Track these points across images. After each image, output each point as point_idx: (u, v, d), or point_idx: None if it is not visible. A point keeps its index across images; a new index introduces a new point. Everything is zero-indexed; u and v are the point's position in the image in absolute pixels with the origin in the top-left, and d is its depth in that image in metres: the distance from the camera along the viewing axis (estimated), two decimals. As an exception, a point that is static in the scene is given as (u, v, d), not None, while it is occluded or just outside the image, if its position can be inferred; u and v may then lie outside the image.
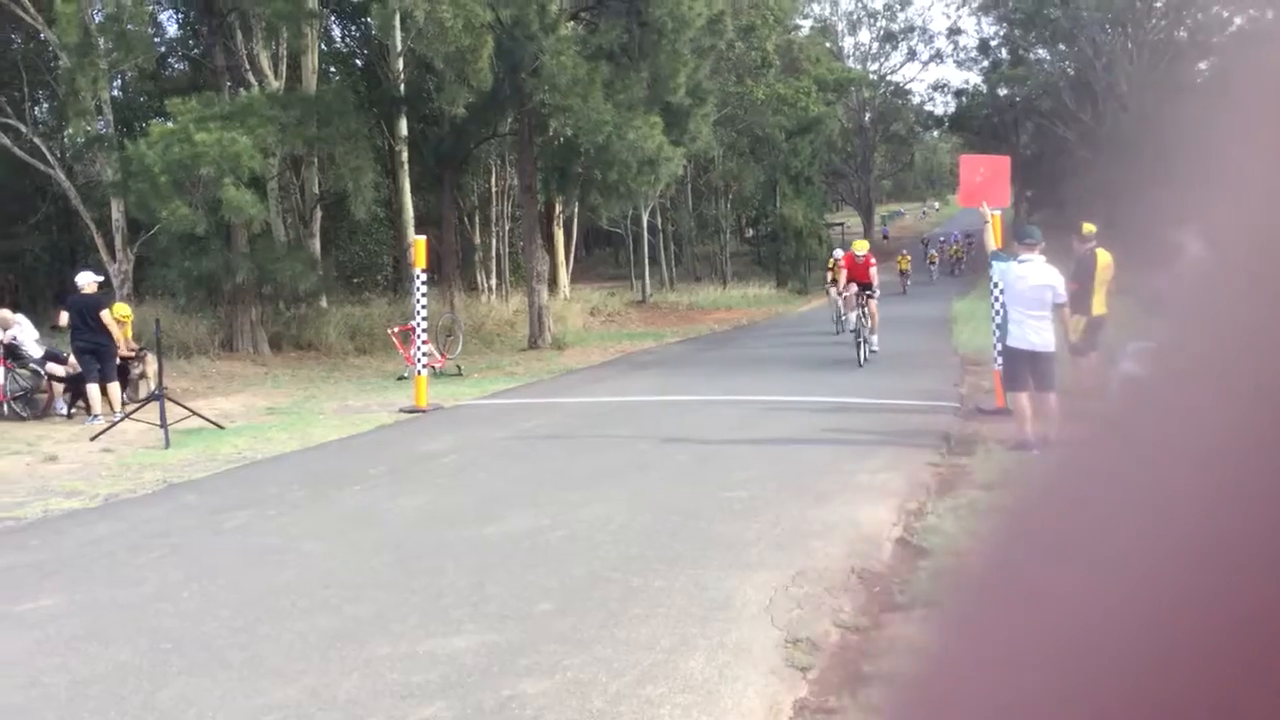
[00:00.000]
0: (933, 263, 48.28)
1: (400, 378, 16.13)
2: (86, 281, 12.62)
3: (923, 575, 5.11)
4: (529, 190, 22.58)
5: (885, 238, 65.09)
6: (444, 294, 23.53)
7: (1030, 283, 8.10)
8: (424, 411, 12.40)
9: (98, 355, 12.25)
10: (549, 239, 28.26)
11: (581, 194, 23.15)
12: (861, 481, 7.41)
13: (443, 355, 17.62)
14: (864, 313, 15.38)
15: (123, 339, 13.09)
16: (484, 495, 7.42)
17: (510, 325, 25.01)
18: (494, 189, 32.32)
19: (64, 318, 12.45)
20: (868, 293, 15.77)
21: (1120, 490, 0.28)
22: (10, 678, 4.20)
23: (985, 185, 10.29)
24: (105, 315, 12.45)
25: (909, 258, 41.81)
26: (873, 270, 16.46)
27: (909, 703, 0.34)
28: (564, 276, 32.61)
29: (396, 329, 17.61)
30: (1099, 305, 9.47)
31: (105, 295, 13.97)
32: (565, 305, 28.71)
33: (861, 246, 17.32)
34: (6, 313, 13.17)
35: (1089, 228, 9.71)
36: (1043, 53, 48.54)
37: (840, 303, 16.82)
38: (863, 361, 14.67)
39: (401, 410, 12.54)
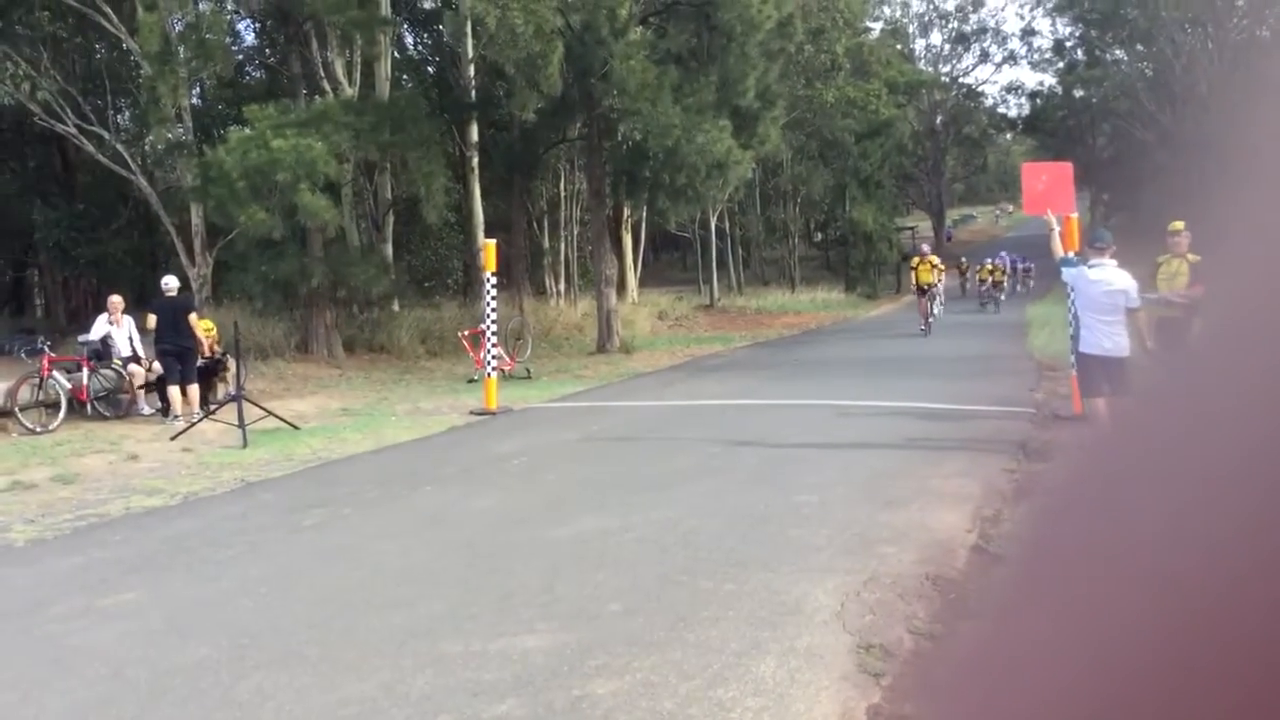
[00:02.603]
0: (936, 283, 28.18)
1: (470, 380, 16.26)
2: (172, 285, 12.90)
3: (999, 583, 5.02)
4: (597, 194, 22.67)
5: (948, 239, 64.18)
6: (513, 298, 23.73)
7: (1104, 288, 7.93)
8: (494, 414, 12.49)
9: (180, 357, 12.50)
10: (617, 243, 28.31)
11: (650, 198, 23.12)
12: (935, 487, 7.30)
13: (512, 358, 17.75)
14: None
15: (207, 342, 13.39)
16: (553, 497, 7.45)
17: (578, 329, 25.13)
18: (563, 193, 32.49)
19: (151, 320, 12.71)
20: None
21: (1173, 490, 0.28)
22: (94, 669, 4.30)
23: (1048, 192, 10.11)
24: (193, 319, 12.72)
25: (931, 261, 25.37)
26: None
27: (962, 702, 0.33)
28: (632, 280, 32.65)
29: (467, 332, 17.79)
30: None
31: (189, 297, 14.28)
32: (633, 309, 28.76)
33: None
34: (119, 299, 13.51)
35: (1177, 225, 9.49)
36: (1120, 53, 47.57)
37: None
38: None
39: (472, 412, 12.66)
